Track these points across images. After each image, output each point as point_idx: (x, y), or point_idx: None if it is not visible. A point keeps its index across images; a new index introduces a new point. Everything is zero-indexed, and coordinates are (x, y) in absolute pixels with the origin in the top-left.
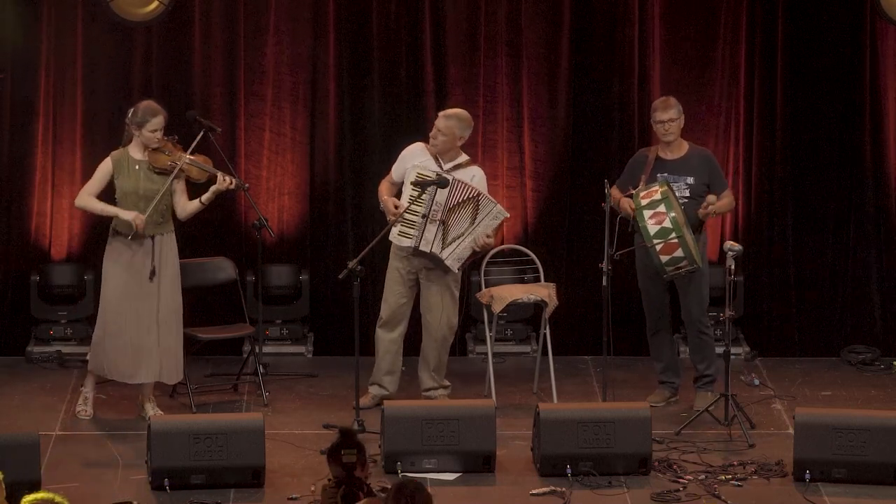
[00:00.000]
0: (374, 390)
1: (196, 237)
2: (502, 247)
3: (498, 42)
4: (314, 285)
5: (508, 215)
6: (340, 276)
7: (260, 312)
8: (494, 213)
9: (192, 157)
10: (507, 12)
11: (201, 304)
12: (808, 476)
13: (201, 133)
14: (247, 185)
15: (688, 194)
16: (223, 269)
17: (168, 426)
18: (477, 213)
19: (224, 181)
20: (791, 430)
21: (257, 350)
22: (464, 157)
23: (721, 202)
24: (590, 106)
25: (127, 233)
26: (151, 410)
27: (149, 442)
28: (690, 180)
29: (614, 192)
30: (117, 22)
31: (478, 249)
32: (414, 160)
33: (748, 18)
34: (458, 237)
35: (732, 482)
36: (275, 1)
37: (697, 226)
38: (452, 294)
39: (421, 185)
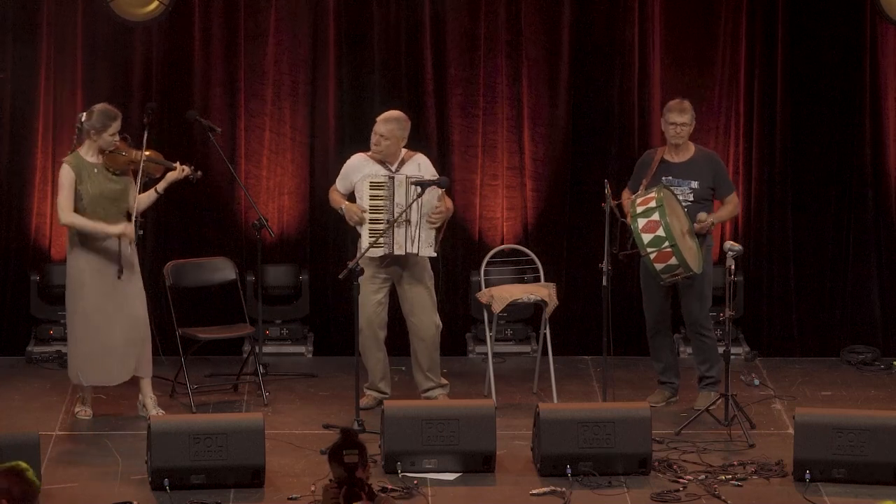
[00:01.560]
0: (372, 394)
1: (196, 237)
2: (502, 247)
3: (498, 42)
4: (314, 285)
5: (445, 178)
6: (340, 276)
7: (260, 312)
8: (430, 183)
9: (147, 154)
10: (507, 12)
11: (201, 304)
12: (808, 476)
13: (145, 128)
14: (199, 172)
15: (692, 198)
16: (223, 269)
17: (168, 426)
18: (421, 194)
19: (182, 171)
20: (791, 430)
21: (257, 350)
22: (403, 152)
23: (721, 211)
24: (590, 106)
25: (105, 243)
26: (153, 409)
27: (149, 442)
28: (694, 184)
29: (624, 195)
30: (117, 22)
31: (436, 223)
32: (360, 171)
33: (748, 18)
34: (417, 224)
35: (732, 482)
36: (275, 1)
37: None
38: (431, 293)
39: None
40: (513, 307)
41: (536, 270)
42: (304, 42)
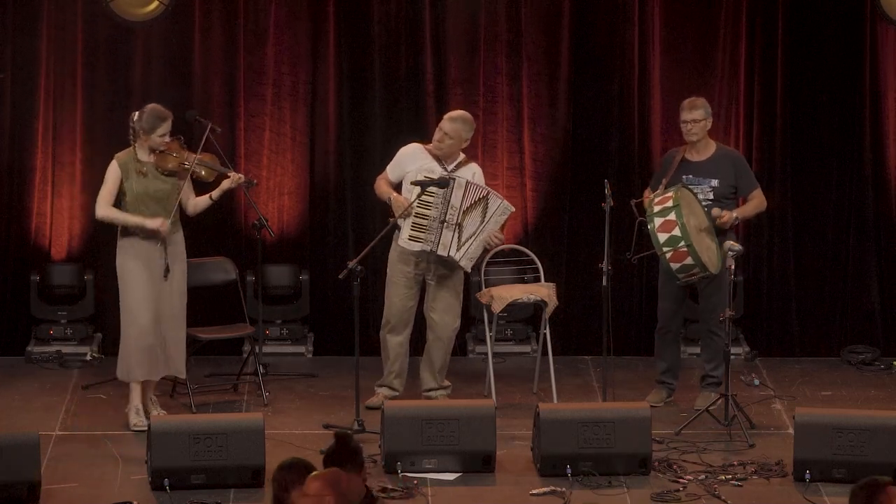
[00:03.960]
0: (384, 392)
1: (196, 237)
2: (502, 247)
3: (498, 42)
4: (314, 285)
5: (514, 209)
6: (340, 276)
7: (260, 312)
8: (502, 209)
9: (199, 157)
10: (507, 12)
11: (201, 304)
12: (808, 476)
13: (207, 131)
14: (255, 181)
15: (712, 197)
16: (223, 269)
17: (168, 426)
18: (486, 211)
19: (236, 178)
20: (791, 430)
21: (257, 350)
22: (462, 156)
23: (746, 206)
24: (590, 106)
25: (152, 239)
26: (154, 410)
27: (149, 442)
28: (714, 183)
29: (646, 195)
30: (117, 22)
31: (489, 248)
32: (415, 163)
33: (748, 19)
34: (470, 237)
35: (732, 482)
36: (275, 1)
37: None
38: (459, 295)
39: (437, 184)
40: (513, 307)
41: (536, 270)
42: (304, 42)
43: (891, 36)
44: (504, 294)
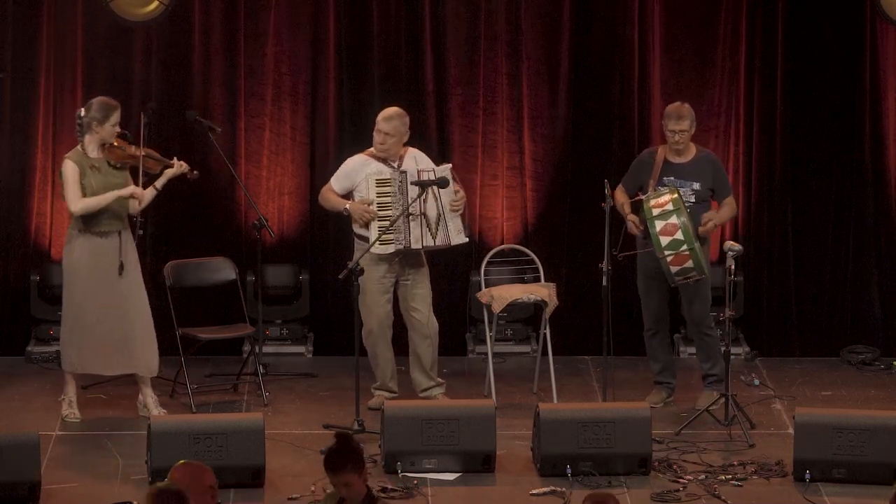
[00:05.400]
0: (383, 394)
1: (196, 237)
2: (502, 247)
3: (498, 42)
4: (314, 285)
5: (451, 164)
6: (340, 276)
7: (260, 312)
8: (444, 172)
9: (146, 150)
10: (507, 12)
11: (201, 304)
12: (808, 476)
13: (144, 127)
14: (196, 172)
15: (693, 199)
16: (223, 269)
17: (168, 426)
18: (419, 194)
19: (181, 166)
20: (791, 430)
21: (257, 350)
22: (400, 150)
23: (721, 212)
24: (590, 106)
25: (107, 237)
26: (155, 409)
27: (149, 442)
28: (696, 185)
29: (618, 193)
30: (117, 22)
31: (459, 209)
32: (364, 170)
33: (748, 19)
34: (440, 216)
35: (732, 482)
36: (275, 1)
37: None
38: (430, 290)
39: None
40: (513, 307)
41: (536, 270)
42: (304, 42)
43: (891, 36)
44: (504, 294)
